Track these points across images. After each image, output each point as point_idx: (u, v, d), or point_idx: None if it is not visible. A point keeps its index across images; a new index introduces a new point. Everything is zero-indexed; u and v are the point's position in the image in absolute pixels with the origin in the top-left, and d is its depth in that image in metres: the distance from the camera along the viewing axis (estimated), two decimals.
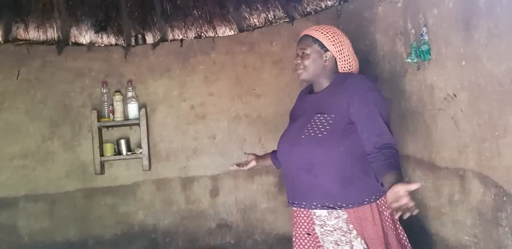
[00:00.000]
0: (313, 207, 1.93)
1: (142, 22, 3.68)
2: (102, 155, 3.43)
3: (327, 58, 2.03)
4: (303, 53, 2.04)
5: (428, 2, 1.96)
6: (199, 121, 3.55)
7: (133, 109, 3.47)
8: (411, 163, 2.30)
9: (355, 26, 2.71)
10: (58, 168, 3.46)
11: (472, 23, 1.64)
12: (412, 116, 2.22)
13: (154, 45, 3.60)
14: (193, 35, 3.67)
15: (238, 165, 2.43)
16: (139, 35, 3.65)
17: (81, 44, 3.65)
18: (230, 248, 3.44)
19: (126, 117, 3.47)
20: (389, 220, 1.92)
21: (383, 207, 1.92)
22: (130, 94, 3.50)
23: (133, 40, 3.65)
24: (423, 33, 1.96)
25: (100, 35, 3.66)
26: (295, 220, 2.04)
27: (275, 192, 3.46)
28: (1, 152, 3.40)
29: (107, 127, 3.50)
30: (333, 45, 2.02)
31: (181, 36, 3.68)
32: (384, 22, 2.40)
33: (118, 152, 3.47)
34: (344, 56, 2.04)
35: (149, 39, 3.70)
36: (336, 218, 1.90)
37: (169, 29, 3.65)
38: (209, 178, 3.52)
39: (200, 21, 3.65)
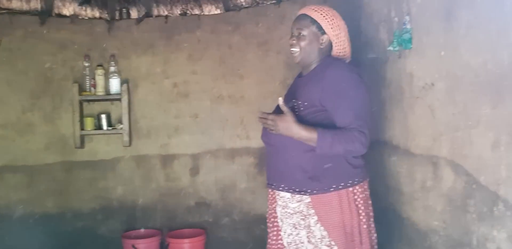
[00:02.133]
0: (280, 188, 1.94)
1: None
2: (82, 128, 3.43)
3: (323, 41, 1.95)
4: (300, 33, 1.96)
5: None
6: (182, 100, 3.55)
7: (115, 84, 3.44)
8: (387, 149, 2.34)
9: (340, 12, 2.70)
10: (38, 140, 3.45)
11: (453, 14, 1.65)
12: (390, 103, 2.25)
13: (139, 20, 3.56)
14: (179, 12, 3.63)
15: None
16: (124, 9, 3.59)
17: (65, 16, 3.58)
18: (208, 226, 3.49)
19: (107, 92, 3.45)
20: (362, 213, 1.89)
21: (357, 196, 1.89)
22: (112, 69, 3.47)
23: (117, 14, 3.59)
24: (406, 22, 1.98)
25: (84, 7, 3.59)
26: (268, 196, 2.07)
27: (254, 173, 3.50)
28: None
29: (88, 100, 3.48)
30: (332, 28, 1.94)
31: (166, 13, 3.63)
32: (369, 9, 2.41)
33: (99, 127, 3.47)
34: (340, 41, 1.97)
35: (134, 14, 3.65)
36: (298, 201, 1.89)
37: (154, 4, 3.60)
38: (189, 156, 3.54)
39: None
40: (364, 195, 1.91)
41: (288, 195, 1.91)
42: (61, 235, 3.38)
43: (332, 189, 1.84)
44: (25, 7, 3.53)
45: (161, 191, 3.53)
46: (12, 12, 3.47)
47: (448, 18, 1.69)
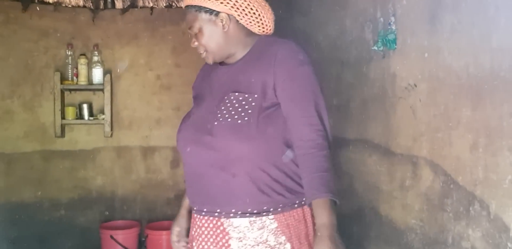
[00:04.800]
0: (231, 215, 1.47)
1: None
2: (63, 117, 3.39)
3: (223, 22, 1.50)
4: (194, 32, 1.53)
5: None
6: (164, 92, 3.54)
7: (97, 74, 3.42)
8: (368, 148, 2.37)
9: (327, 10, 2.72)
10: (17, 128, 3.41)
11: (437, 17, 1.68)
12: (373, 103, 2.27)
13: (123, 10, 3.53)
14: (164, 4, 3.60)
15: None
16: None
17: (48, 3, 3.52)
18: None
19: (90, 82, 3.43)
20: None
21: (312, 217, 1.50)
22: (95, 58, 3.44)
23: (101, 3, 3.55)
24: (391, 23, 1.99)
25: None
26: (198, 231, 1.53)
27: None
28: None
29: (70, 90, 3.45)
30: (221, 3, 1.48)
31: (151, 4, 3.60)
32: (355, 8, 2.42)
33: (80, 116, 3.44)
34: (247, 12, 1.51)
35: (119, 4, 3.61)
36: (260, 228, 1.45)
37: None
38: (170, 149, 3.54)
39: None
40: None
41: (245, 221, 1.46)
42: (38, 224, 3.36)
43: (296, 205, 1.47)
44: None
45: (141, 183, 3.53)
46: None
47: (432, 21, 1.72)
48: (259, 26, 1.56)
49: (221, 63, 1.60)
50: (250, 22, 1.53)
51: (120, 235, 3.24)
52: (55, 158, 3.46)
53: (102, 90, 3.42)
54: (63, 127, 3.43)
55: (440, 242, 1.69)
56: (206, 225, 1.51)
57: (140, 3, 3.60)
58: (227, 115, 1.45)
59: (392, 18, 2.00)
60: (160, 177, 3.54)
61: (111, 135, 3.46)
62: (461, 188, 1.55)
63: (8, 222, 3.30)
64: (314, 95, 1.46)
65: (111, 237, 3.19)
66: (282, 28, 2.05)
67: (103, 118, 3.43)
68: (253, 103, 1.45)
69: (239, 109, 1.45)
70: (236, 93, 1.47)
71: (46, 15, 3.46)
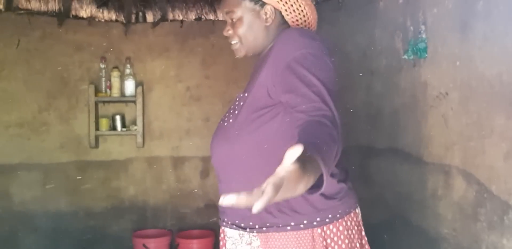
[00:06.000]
0: (224, 223, 1.40)
1: (143, 0, 3.67)
2: (97, 129, 3.47)
3: (267, 16, 1.38)
4: (232, 19, 1.40)
5: (429, 1, 1.99)
6: (194, 103, 3.59)
7: (130, 87, 3.50)
8: (399, 157, 2.36)
9: (355, 20, 2.73)
10: (53, 139, 3.50)
11: (469, 25, 1.68)
12: (404, 112, 2.27)
13: (154, 24, 3.61)
14: (194, 17, 3.67)
15: None
16: (140, 13, 3.65)
17: (82, 18, 3.63)
18: (216, 227, 3.51)
19: (122, 94, 3.51)
20: None
21: (330, 240, 1.27)
22: (128, 71, 3.52)
23: (133, 17, 3.65)
24: (421, 31, 2.00)
25: (101, 10, 3.64)
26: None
27: None
28: None
29: (104, 102, 3.54)
30: None
31: (181, 17, 3.68)
32: (384, 18, 2.43)
33: (113, 128, 3.52)
34: (295, 9, 1.38)
35: (150, 17, 3.70)
36: (248, 244, 1.32)
37: (170, 9, 3.65)
38: (200, 159, 3.58)
39: (201, 3, 3.65)
40: (345, 237, 1.29)
41: (235, 234, 1.35)
42: (73, 233, 3.43)
43: (289, 228, 1.25)
44: (43, 8, 3.58)
45: (172, 192, 3.58)
46: (30, 12, 3.52)
47: (464, 29, 1.72)
48: (305, 25, 1.43)
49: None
50: (297, 20, 1.40)
51: (152, 243, 3.28)
52: (89, 168, 3.53)
53: (134, 102, 3.50)
54: (97, 138, 3.51)
55: None
56: (221, 229, 1.44)
57: (171, 17, 3.68)
58: (226, 118, 1.38)
59: (423, 27, 2.00)
60: (190, 187, 3.58)
61: (143, 145, 3.52)
62: (495, 197, 1.54)
63: (44, 230, 3.38)
64: (317, 82, 1.16)
65: (144, 245, 3.24)
66: None
67: (135, 129, 3.50)
68: (241, 103, 1.32)
69: (231, 111, 1.36)
70: (240, 94, 1.38)
71: (80, 30, 3.56)
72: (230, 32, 1.42)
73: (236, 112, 1.32)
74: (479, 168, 1.65)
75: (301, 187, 0.83)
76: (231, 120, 1.33)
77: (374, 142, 2.51)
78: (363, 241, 1.38)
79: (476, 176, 1.67)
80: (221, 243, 1.44)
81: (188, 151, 3.58)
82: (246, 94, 1.33)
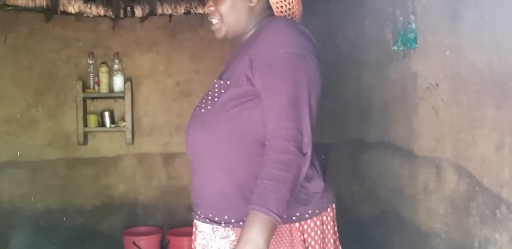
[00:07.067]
0: (197, 216, 1.33)
1: None
2: (86, 125, 3.44)
3: None
4: None
5: None
6: (184, 99, 3.55)
7: (118, 82, 3.45)
8: (390, 150, 2.32)
9: (344, 11, 2.69)
10: (41, 136, 3.46)
11: (458, 13, 1.63)
12: (394, 104, 2.23)
13: (143, 18, 3.57)
14: (183, 11, 3.63)
15: None
16: (128, 7, 3.60)
17: (70, 14, 3.59)
18: None
19: (111, 90, 3.46)
20: None
21: (307, 235, 1.25)
22: (116, 67, 3.48)
23: (122, 12, 3.60)
24: (411, 21, 1.96)
25: (89, 5, 3.60)
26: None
27: None
28: None
29: (92, 98, 3.50)
30: None
31: (170, 11, 3.64)
32: (373, 8, 2.39)
33: (102, 124, 3.48)
34: None
35: (138, 12, 3.66)
36: (223, 238, 1.25)
37: (159, 3, 3.61)
38: None
39: None
40: (321, 232, 1.28)
41: (208, 228, 1.28)
42: (63, 231, 3.39)
43: None
44: (30, 4, 3.54)
45: (162, 189, 3.54)
46: (18, 8, 3.48)
47: (453, 17, 1.67)
48: (288, 14, 1.38)
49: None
50: (282, 6, 1.36)
51: (142, 241, 3.24)
52: (78, 165, 3.50)
53: (123, 97, 3.45)
54: (85, 135, 3.47)
55: (466, 247, 1.63)
56: (194, 223, 1.38)
57: (159, 11, 3.63)
58: (203, 104, 1.31)
59: (412, 17, 1.96)
60: (181, 184, 3.54)
61: (132, 142, 3.48)
62: (486, 190, 1.50)
63: (33, 228, 3.34)
64: (292, 86, 1.15)
65: (134, 243, 3.20)
66: None
67: (124, 126, 3.45)
68: (222, 91, 1.26)
69: (209, 98, 1.30)
70: (217, 80, 1.32)
71: (68, 25, 3.52)
72: (212, 8, 1.36)
73: (216, 99, 1.27)
74: (470, 160, 1.62)
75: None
76: (209, 107, 1.27)
77: (365, 135, 2.48)
78: (335, 237, 1.37)
79: (468, 168, 1.63)
80: (193, 236, 1.38)
81: (179, 147, 3.54)
82: (227, 82, 1.27)
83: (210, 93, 1.32)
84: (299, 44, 1.21)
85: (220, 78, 1.33)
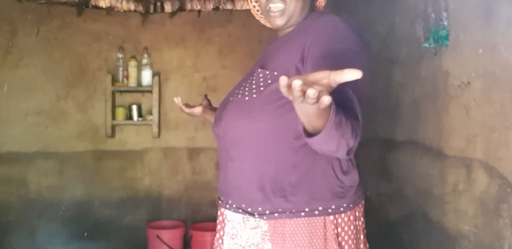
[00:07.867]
0: (227, 206, 1.32)
1: None
2: (114, 118, 3.48)
3: None
4: None
5: None
6: (211, 94, 3.49)
7: (147, 76, 3.49)
8: (419, 150, 2.28)
9: (374, 7, 2.65)
10: (70, 128, 3.52)
11: (492, 10, 1.59)
12: (424, 103, 2.19)
13: (172, 14, 3.59)
14: (211, 7, 3.64)
15: (185, 104, 1.81)
16: (158, 3, 3.63)
17: (101, 8, 3.63)
18: None
19: (139, 84, 3.50)
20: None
21: (341, 229, 1.23)
22: (145, 61, 3.51)
23: (151, 7, 3.63)
24: (443, 18, 1.91)
25: (120, 0, 3.64)
26: (218, 223, 1.41)
27: None
28: (16, 108, 3.46)
29: (121, 91, 3.54)
30: None
31: (199, 7, 3.64)
32: (404, 5, 2.35)
33: (130, 117, 3.52)
34: None
35: (168, 7, 3.67)
36: (253, 228, 1.24)
37: None
38: (215, 150, 3.52)
39: None
40: (354, 227, 1.27)
41: (238, 217, 1.28)
42: (88, 222, 3.45)
43: (303, 214, 1.20)
44: None
45: (187, 184, 3.56)
46: (50, 2, 3.54)
47: (487, 14, 1.63)
48: (321, 5, 1.44)
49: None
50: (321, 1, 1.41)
51: (166, 235, 3.27)
52: (105, 158, 3.55)
53: (150, 91, 3.48)
54: (113, 128, 3.51)
55: None
56: (220, 211, 1.38)
57: (188, 7, 3.65)
58: (241, 92, 1.28)
59: (444, 14, 1.92)
60: (205, 178, 3.56)
61: (159, 136, 3.51)
62: None
63: (59, 219, 3.41)
64: (353, 55, 1.14)
65: (157, 236, 3.23)
66: None
67: (151, 119, 3.49)
68: (269, 81, 1.23)
69: (254, 86, 1.25)
70: (260, 70, 1.29)
71: (99, 20, 3.57)
72: None
73: (261, 88, 1.23)
74: (502, 161, 1.58)
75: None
76: (254, 95, 1.24)
77: (394, 134, 2.44)
78: (363, 233, 1.36)
79: (499, 169, 1.59)
80: (218, 226, 1.38)
81: (204, 142, 3.55)
82: (274, 73, 1.24)
83: (253, 82, 1.28)
84: (355, 42, 1.19)
85: (263, 67, 1.29)
